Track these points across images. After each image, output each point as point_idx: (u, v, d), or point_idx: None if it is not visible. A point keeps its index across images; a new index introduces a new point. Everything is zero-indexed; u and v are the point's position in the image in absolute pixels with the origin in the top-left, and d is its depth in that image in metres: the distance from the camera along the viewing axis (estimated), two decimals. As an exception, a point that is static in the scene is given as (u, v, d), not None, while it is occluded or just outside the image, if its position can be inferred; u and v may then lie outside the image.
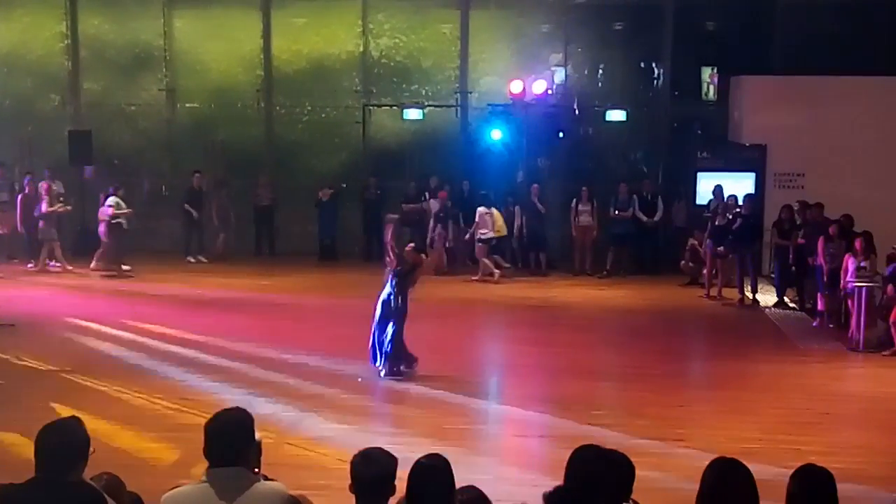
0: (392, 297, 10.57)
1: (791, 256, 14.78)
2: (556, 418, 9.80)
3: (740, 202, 15.81)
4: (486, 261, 16.86)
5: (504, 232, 17.28)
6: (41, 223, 17.12)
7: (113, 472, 4.54)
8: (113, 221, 16.85)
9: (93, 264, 17.06)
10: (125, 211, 17.05)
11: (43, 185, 17.21)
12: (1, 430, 8.71)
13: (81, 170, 18.81)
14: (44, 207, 17.09)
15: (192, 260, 18.07)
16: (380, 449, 3.90)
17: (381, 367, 10.65)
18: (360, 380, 10.59)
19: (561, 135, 18.46)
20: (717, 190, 16.23)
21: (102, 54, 19.69)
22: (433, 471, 3.87)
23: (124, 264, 16.87)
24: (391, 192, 18.48)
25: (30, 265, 17.28)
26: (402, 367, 10.70)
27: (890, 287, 12.21)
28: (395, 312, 10.56)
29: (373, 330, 10.66)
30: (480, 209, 16.99)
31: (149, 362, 11.28)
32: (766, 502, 3.90)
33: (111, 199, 16.94)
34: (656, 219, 17.50)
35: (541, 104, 18.46)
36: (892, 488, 7.28)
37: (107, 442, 7.98)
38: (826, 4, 18.55)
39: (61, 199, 17.36)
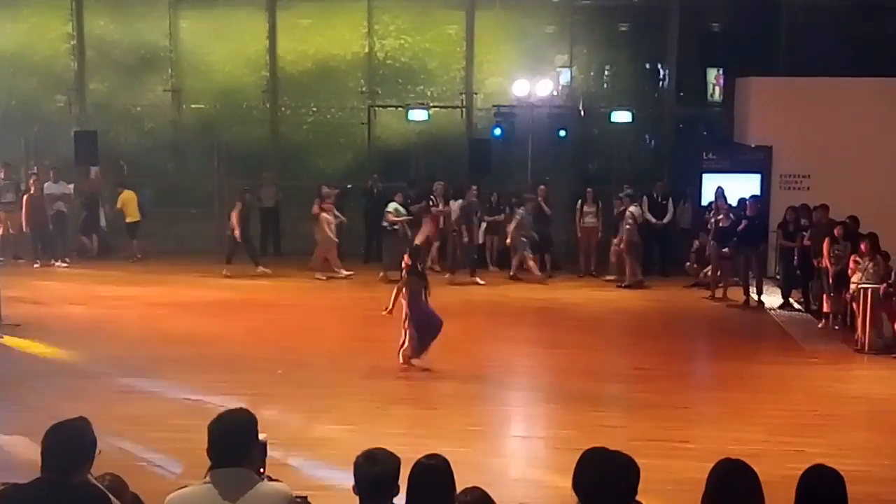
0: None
1: (796, 258, 14.77)
2: (560, 419, 9.81)
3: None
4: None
5: (138, 217, 17.56)
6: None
7: (118, 473, 4.55)
8: (391, 228, 16.67)
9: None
10: (404, 217, 16.84)
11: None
12: (7, 430, 8.73)
13: (87, 170, 18.83)
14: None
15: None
16: (383, 449, 3.89)
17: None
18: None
19: (562, 133, 18.34)
20: (719, 191, 16.19)
21: (108, 55, 19.69)
22: (433, 470, 3.88)
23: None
24: (393, 192, 18.45)
25: (35, 265, 17.30)
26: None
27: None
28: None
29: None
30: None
31: (153, 363, 11.31)
32: (770, 504, 3.89)
33: (391, 206, 16.80)
34: (666, 221, 17.41)
35: (546, 105, 18.45)
36: (897, 490, 7.28)
37: (112, 443, 7.99)
38: (831, 5, 18.52)
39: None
